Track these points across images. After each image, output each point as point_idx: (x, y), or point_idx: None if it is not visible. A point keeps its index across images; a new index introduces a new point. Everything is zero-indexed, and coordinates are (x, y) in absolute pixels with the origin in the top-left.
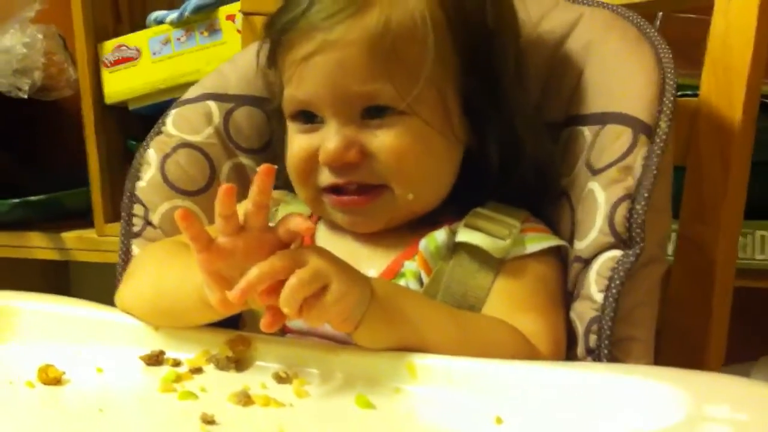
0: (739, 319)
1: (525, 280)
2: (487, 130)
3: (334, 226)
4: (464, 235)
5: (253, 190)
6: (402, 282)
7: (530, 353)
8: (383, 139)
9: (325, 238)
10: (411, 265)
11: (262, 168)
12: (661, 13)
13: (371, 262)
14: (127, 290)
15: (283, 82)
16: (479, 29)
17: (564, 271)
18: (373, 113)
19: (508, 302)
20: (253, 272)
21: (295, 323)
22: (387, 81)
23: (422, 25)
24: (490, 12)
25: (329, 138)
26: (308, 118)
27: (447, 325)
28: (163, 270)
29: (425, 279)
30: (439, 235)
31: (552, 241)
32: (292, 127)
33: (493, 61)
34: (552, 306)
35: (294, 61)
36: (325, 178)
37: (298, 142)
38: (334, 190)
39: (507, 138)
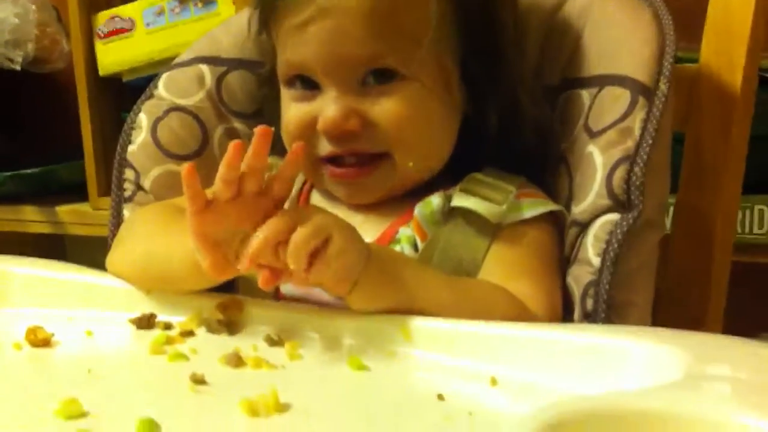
0: (737, 294)
1: (520, 246)
2: (487, 97)
3: (327, 193)
4: (459, 200)
5: (249, 152)
6: (397, 248)
7: (525, 317)
8: (384, 106)
9: (318, 205)
10: (406, 231)
11: (259, 129)
12: None
13: (366, 229)
14: (117, 255)
15: (277, 48)
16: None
17: (560, 236)
18: (373, 79)
19: (503, 267)
20: (258, 238)
21: (288, 288)
22: (387, 43)
23: None
24: None
25: (328, 106)
26: (305, 84)
27: (442, 291)
28: (155, 235)
29: (420, 244)
30: (435, 200)
31: (548, 206)
32: (287, 94)
33: (492, 26)
34: (547, 271)
35: (289, 28)
36: (324, 147)
37: (294, 110)
38: (333, 160)
39: (506, 104)
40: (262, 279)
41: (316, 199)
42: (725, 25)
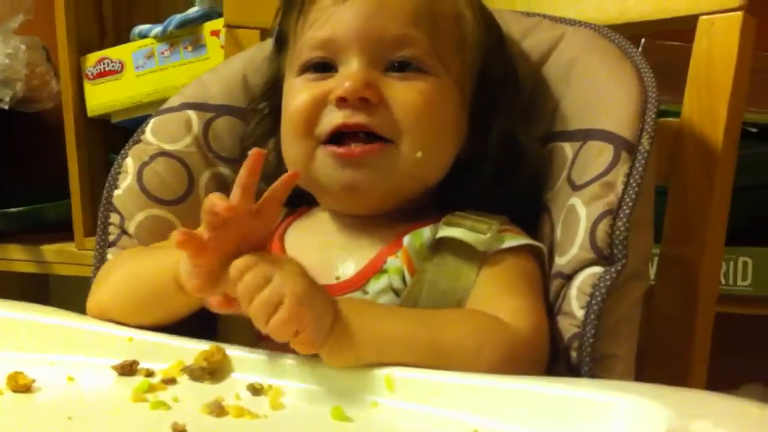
0: (722, 346)
1: (506, 270)
2: (488, 130)
3: (313, 219)
4: (446, 231)
5: (242, 172)
6: (384, 278)
7: (510, 337)
8: (405, 89)
9: (305, 230)
10: (394, 262)
11: (253, 151)
12: (643, 40)
13: (351, 256)
14: (98, 290)
15: (298, 35)
16: (494, 36)
17: (543, 271)
18: (398, 67)
19: (490, 289)
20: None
21: None
22: (423, 34)
23: (462, 7)
24: (497, 24)
25: (350, 74)
26: (322, 68)
27: (419, 335)
28: (137, 262)
29: (408, 277)
30: (425, 233)
31: (529, 240)
32: (296, 82)
33: (503, 68)
34: (533, 292)
35: (326, 5)
36: (333, 118)
37: (304, 91)
38: (336, 140)
39: (507, 144)
40: (215, 302)
41: (295, 233)
42: (707, 80)
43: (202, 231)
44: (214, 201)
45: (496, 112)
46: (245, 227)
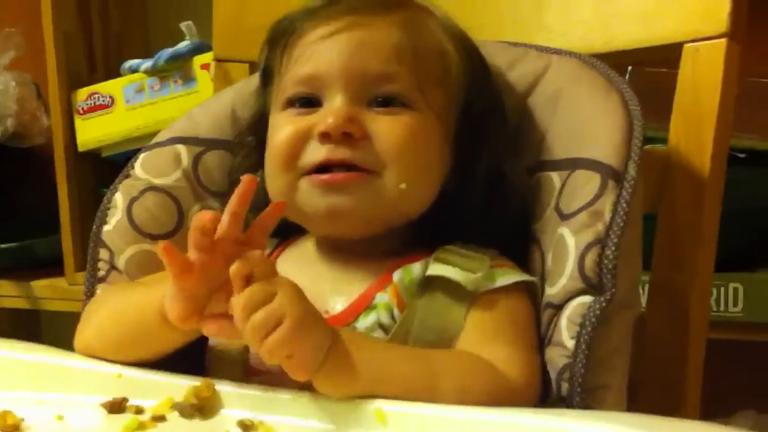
0: (715, 372)
1: (496, 313)
2: (474, 163)
3: (303, 251)
4: (436, 269)
5: (233, 199)
6: (373, 315)
7: (504, 385)
8: (388, 123)
9: (295, 262)
10: (383, 297)
11: (246, 177)
12: (630, 67)
13: (340, 292)
14: (85, 327)
15: (283, 71)
16: (478, 69)
17: (534, 307)
18: (381, 102)
19: (480, 334)
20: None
21: (257, 361)
22: (406, 70)
23: (444, 43)
24: (481, 57)
25: (333, 110)
26: (306, 103)
27: (414, 372)
28: (122, 298)
29: (397, 313)
30: (416, 269)
31: (521, 276)
32: (281, 117)
33: (488, 101)
34: (524, 336)
35: (310, 42)
36: (316, 153)
37: (289, 125)
38: (320, 171)
39: (493, 173)
40: (209, 327)
41: (284, 265)
42: (693, 107)
43: (189, 252)
44: (202, 216)
45: (482, 144)
46: (232, 255)
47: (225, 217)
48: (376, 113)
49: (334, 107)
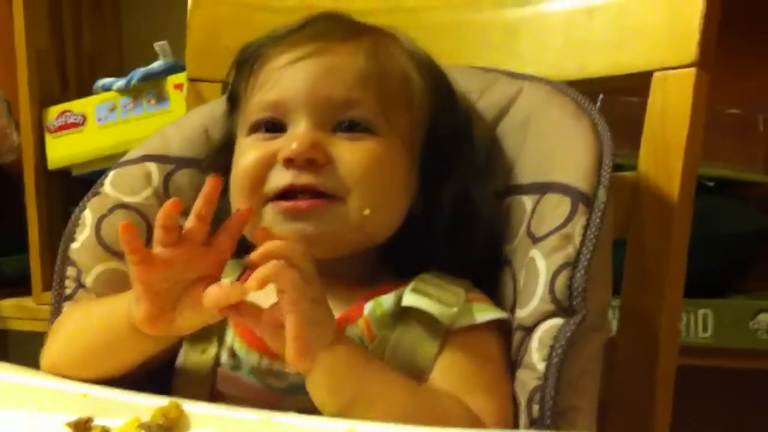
0: (685, 398)
1: (473, 355)
2: (441, 187)
3: None
4: (412, 300)
5: (198, 201)
6: None
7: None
8: (351, 149)
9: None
10: (353, 329)
11: (210, 179)
12: (601, 96)
13: None
14: (51, 344)
15: (248, 97)
16: (444, 95)
17: (508, 343)
18: (345, 128)
19: (457, 378)
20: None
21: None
22: (371, 95)
23: (409, 69)
24: (447, 82)
25: (297, 135)
26: (271, 128)
27: (403, 393)
28: (88, 312)
29: (367, 344)
30: (386, 301)
31: (497, 313)
32: (245, 142)
33: (453, 126)
34: (500, 382)
35: (275, 68)
36: (281, 178)
37: (253, 150)
38: (284, 197)
39: (459, 198)
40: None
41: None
42: (662, 135)
43: (153, 248)
44: (164, 209)
45: (448, 170)
46: (197, 255)
47: (191, 218)
48: (339, 138)
49: (298, 132)
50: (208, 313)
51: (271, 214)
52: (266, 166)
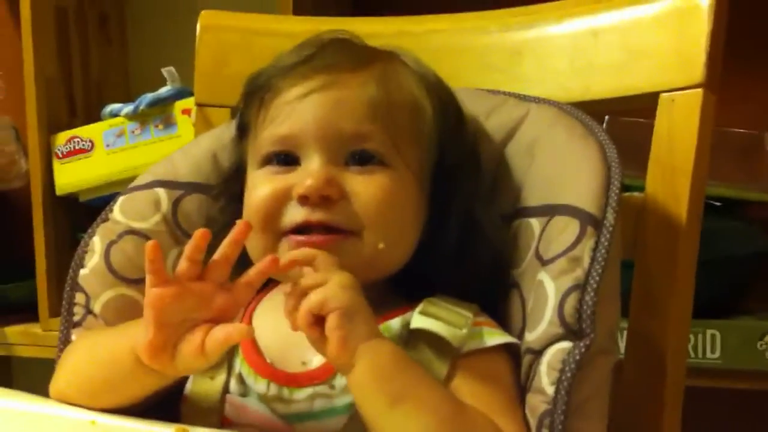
0: (692, 420)
1: (486, 379)
2: (448, 212)
3: (279, 304)
4: (420, 322)
5: (226, 242)
6: None
7: None
8: (365, 183)
9: (275, 309)
10: None
11: (241, 223)
12: (607, 117)
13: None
14: (60, 373)
15: (259, 129)
16: (452, 121)
17: (518, 368)
18: (357, 160)
19: (473, 402)
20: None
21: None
22: (381, 128)
23: (419, 97)
24: (456, 105)
25: (311, 171)
26: (282, 161)
27: (441, 400)
28: (95, 342)
29: None
30: (394, 325)
31: (506, 338)
32: (258, 174)
33: (461, 151)
34: (513, 407)
35: (285, 102)
36: (295, 215)
37: (267, 184)
38: (299, 231)
39: (466, 222)
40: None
41: (262, 315)
42: (669, 157)
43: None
44: (193, 241)
45: (455, 194)
46: (214, 295)
47: (216, 257)
48: (352, 173)
49: (312, 169)
50: (205, 358)
51: (287, 249)
52: (280, 200)
